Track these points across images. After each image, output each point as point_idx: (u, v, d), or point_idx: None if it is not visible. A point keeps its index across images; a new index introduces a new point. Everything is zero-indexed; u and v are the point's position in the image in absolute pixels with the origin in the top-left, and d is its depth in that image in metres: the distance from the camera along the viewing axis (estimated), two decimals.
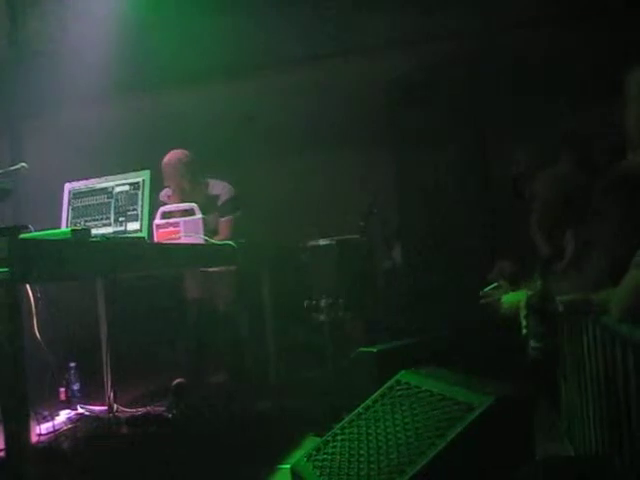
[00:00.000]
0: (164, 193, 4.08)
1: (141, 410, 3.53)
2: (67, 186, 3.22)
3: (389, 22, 4.78)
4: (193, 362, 4.08)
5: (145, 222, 3.01)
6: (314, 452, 2.14)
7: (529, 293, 2.10)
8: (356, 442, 2.04)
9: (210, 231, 3.60)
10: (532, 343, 2.04)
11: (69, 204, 3.18)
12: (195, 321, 4.07)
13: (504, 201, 4.61)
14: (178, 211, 3.52)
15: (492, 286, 2.54)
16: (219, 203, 4.00)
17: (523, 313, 2.10)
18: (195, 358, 4.08)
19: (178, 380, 3.90)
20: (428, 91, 4.76)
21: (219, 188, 4.04)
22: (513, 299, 2.26)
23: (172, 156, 3.98)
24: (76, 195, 3.17)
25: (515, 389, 1.88)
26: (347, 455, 2.00)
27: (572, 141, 2.44)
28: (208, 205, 3.92)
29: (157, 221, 3.28)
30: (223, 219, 3.98)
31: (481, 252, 4.31)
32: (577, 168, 2.43)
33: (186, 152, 4.02)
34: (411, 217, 4.78)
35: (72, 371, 3.65)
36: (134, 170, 3.14)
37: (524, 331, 2.10)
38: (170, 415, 3.42)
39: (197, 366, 4.09)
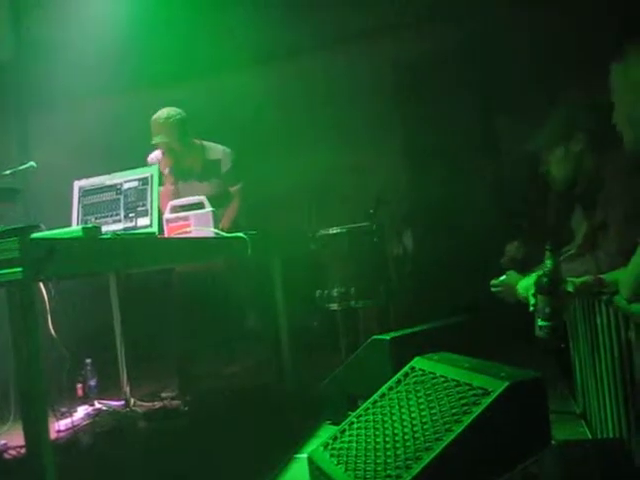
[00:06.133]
0: (153, 156, 3.82)
1: (158, 404, 3.55)
2: (76, 184, 3.22)
3: (395, 7, 4.75)
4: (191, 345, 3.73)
5: (155, 217, 3.01)
6: (331, 440, 2.15)
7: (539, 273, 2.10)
8: (372, 430, 2.04)
9: (214, 197, 3.40)
10: (539, 322, 2.04)
11: (79, 202, 3.18)
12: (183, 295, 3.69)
13: (516, 184, 4.60)
14: (187, 204, 3.40)
15: (502, 278, 2.53)
16: (223, 170, 3.81)
17: (531, 291, 2.10)
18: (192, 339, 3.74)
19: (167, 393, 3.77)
20: (436, 75, 4.74)
21: (218, 152, 3.82)
22: (528, 283, 2.24)
23: (160, 113, 3.69)
24: (85, 193, 3.18)
25: (530, 373, 1.88)
26: (363, 443, 2.00)
27: (585, 119, 2.39)
28: (207, 170, 3.79)
29: (167, 215, 3.28)
30: (234, 188, 3.84)
31: (494, 236, 4.29)
32: (589, 147, 2.40)
33: (177, 109, 3.71)
34: (421, 202, 4.77)
35: (88, 367, 3.68)
36: (142, 166, 3.14)
37: (531, 308, 2.11)
38: (186, 408, 3.45)
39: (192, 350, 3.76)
